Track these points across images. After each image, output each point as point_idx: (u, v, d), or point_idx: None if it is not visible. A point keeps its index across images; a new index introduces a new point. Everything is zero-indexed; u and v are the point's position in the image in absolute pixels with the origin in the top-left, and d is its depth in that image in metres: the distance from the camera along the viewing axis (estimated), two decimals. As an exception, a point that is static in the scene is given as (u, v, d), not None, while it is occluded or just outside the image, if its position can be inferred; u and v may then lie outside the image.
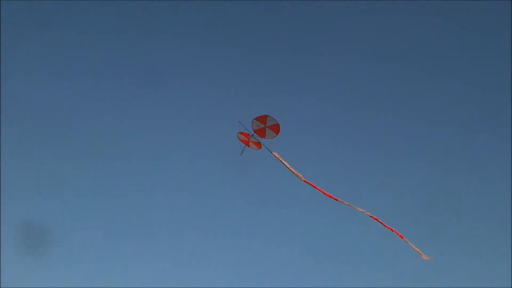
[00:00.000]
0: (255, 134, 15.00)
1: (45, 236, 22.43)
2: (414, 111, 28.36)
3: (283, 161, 15.27)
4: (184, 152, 26.71)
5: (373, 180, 25.89)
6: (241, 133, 15.13)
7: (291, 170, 15.24)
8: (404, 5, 29.06)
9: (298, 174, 15.22)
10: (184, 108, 27.95)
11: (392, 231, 14.98)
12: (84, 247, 23.49)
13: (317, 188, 15.09)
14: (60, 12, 28.44)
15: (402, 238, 14.99)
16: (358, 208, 14.92)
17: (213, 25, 28.94)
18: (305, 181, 15.18)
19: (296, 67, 28.67)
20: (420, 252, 14.92)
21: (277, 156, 15.32)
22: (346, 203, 14.89)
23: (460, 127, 28.03)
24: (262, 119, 14.73)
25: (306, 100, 28.31)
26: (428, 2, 28.79)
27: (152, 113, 28.09)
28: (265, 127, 14.90)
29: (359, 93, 28.29)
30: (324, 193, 15.02)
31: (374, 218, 14.91)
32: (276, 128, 14.82)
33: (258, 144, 15.38)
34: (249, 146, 15.41)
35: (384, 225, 14.95)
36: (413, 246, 15.00)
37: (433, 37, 28.78)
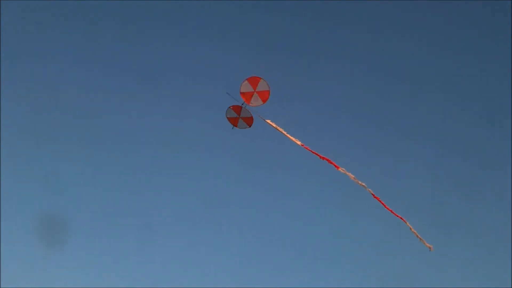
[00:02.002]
0: (245, 104, 13.97)
1: (62, 229, 22.26)
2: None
3: (278, 128, 14.36)
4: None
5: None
6: (231, 107, 14.12)
7: (287, 136, 14.35)
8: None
9: (296, 140, 14.33)
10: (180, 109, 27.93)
11: (397, 216, 14.14)
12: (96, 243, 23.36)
13: (314, 153, 14.22)
14: (60, 11, 28.44)
15: (405, 222, 14.00)
16: (359, 182, 14.05)
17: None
18: (303, 146, 14.26)
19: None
20: (423, 240, 14.15)
21: (271, 123, 14.37)
22: (348, 173, 14.04)
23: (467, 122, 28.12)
24: (254, 81, 13.65)
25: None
26: (429, 2, 28.79)
27: (152, 112, 28.12)
28: (254, 91, 13.77)
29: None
30: (320, 157, 14.10)
31: (374, 197, 14.04)
32: (265, 95, 13.76)
33: (249, 120, 14.35)
34: (237, 126, 14.45)
35: (386, 207, 14.11)
36: (414, 232, 14.18)
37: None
